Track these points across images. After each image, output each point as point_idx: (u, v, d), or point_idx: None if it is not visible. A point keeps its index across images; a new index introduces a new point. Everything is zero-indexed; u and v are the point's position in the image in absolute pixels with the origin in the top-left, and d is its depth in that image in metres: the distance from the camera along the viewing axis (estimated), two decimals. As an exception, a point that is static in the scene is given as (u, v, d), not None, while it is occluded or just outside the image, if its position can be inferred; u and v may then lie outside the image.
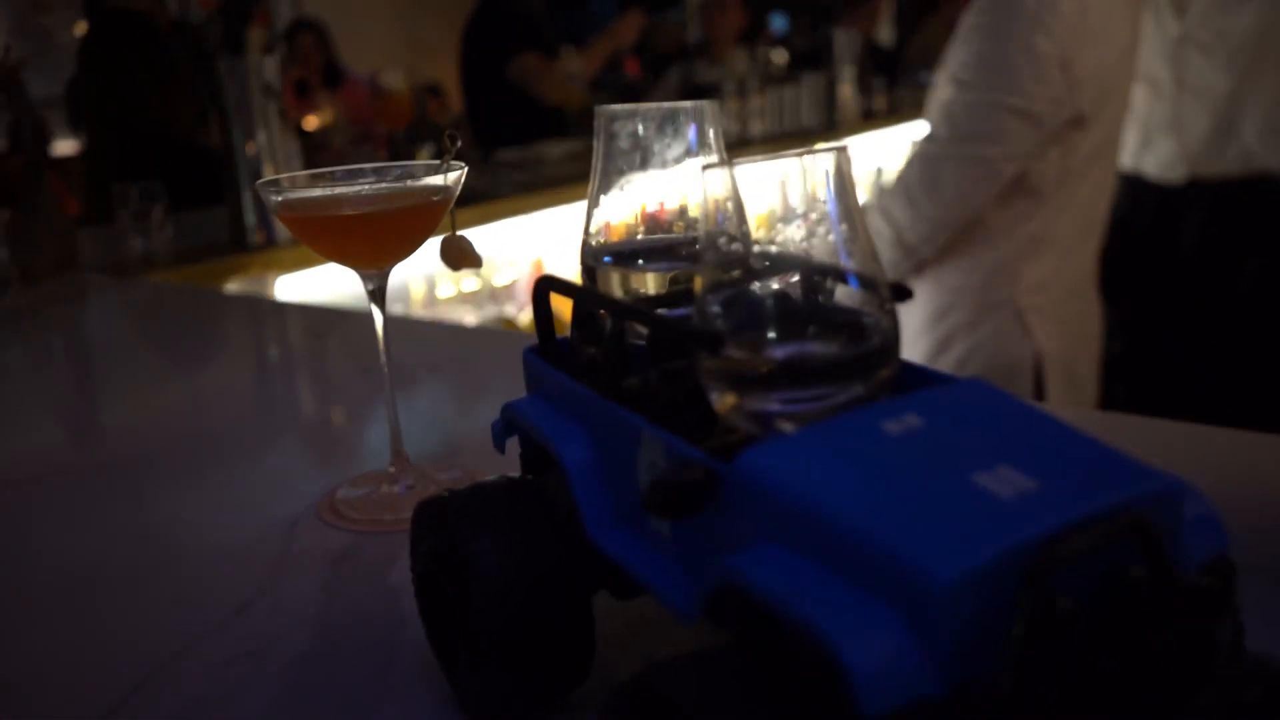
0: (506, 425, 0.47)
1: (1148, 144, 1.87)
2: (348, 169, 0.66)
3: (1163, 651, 0.28)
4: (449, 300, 2.22)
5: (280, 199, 0.61)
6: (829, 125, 3.13)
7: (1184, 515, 0.31)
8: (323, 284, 1.82)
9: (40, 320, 1.38)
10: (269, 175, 1.72)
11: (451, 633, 0.44)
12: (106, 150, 2.14)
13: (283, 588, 0.57)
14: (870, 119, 3.34)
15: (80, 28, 5.41)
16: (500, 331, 1.81)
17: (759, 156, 0.34)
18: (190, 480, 0.77)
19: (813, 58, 3.50)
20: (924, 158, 1.40)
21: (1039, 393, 1.46)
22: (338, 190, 0.62)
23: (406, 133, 2.58)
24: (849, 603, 0.27)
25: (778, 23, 5.33)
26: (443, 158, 0.63)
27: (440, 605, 0.44)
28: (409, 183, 0.63)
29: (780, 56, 3.63)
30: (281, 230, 1.74)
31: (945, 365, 1.48)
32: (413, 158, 2.25)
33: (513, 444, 0.47)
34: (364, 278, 0.63)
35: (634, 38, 3.35)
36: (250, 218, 1.74)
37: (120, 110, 2.11)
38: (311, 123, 3.53)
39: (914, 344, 1.52)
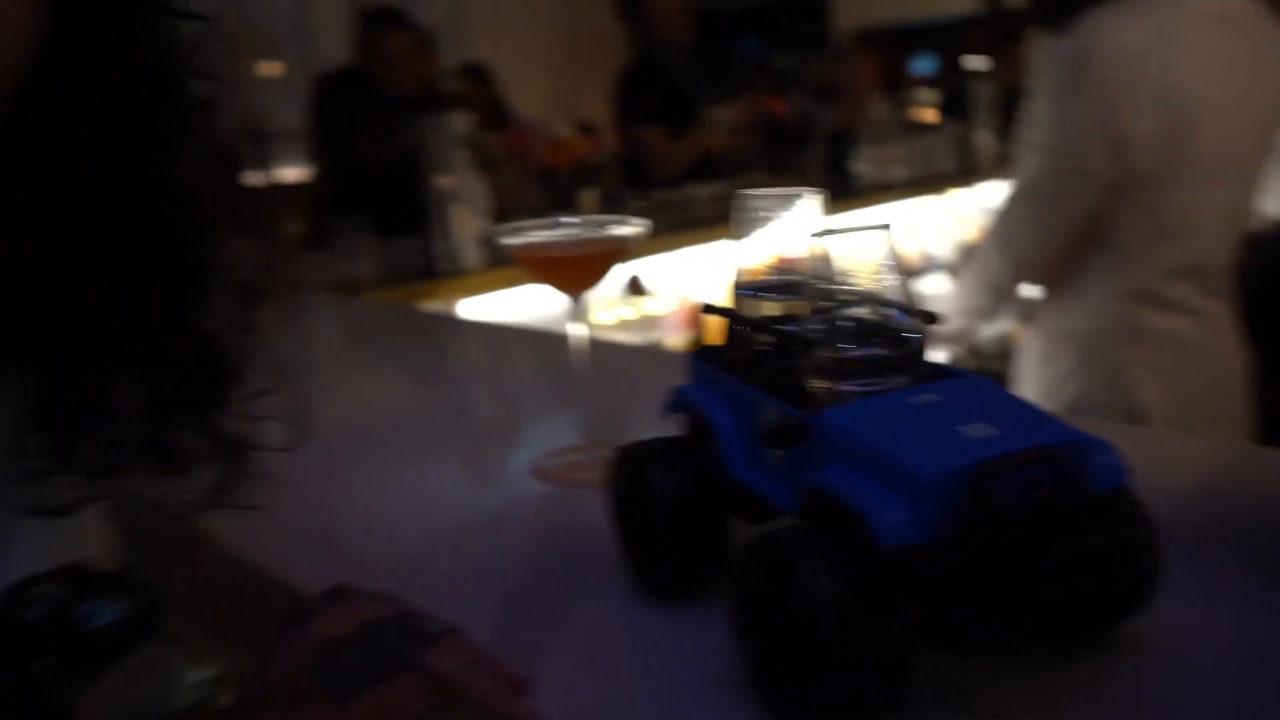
0: (673, 402, 0.69)
1: None
2: (555, 219, 0.90)
3: (1064, 530, 0.48)
4: (604, 326, 2.48)
5: (515, 241, 0.85)
6: (965, 171, 3.27)
7: (1094, 459, 0.50)
8: (496, 305, 2.10)
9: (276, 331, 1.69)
10: (461, 212, 2.02)
11: (637, 536, 0.66)
12: (327, 184, 2.53)
13: (511, 516, 0.81)
14: (1010, 164, 3.46)
15: (268, 68, 6.01)
16: (647, 349, 2.05)
17: (856, 227, 0.56)
18: (430, 451, 1.03)
19: (955, 102, 3.65)
20: (1000, 212, 1.56)
21: None
22: (556, 236, 0.86)
23: (573, 174, 2.88)
24: (878, 493, 0.48)
25: (922, 65, 5.42)
26: (624, 214, 0.87)
27: (629, 517, 0.66)
28: (605, 232, 0.87)
29: (930, 98, 3.77)
30: (467, 260, 2.03)
31: (1058, 406, 1.56)
32: (578, 197, 2.53)
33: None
34: (568, 298, 0.87)
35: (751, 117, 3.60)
36: (441, 249, 2.03)
37: (341, 152, 2.51)
38: (482, 161, 3.89)
39: (1032, 383, 1.62)
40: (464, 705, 0.49)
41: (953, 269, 2.23)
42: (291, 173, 2.62)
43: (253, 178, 0.59)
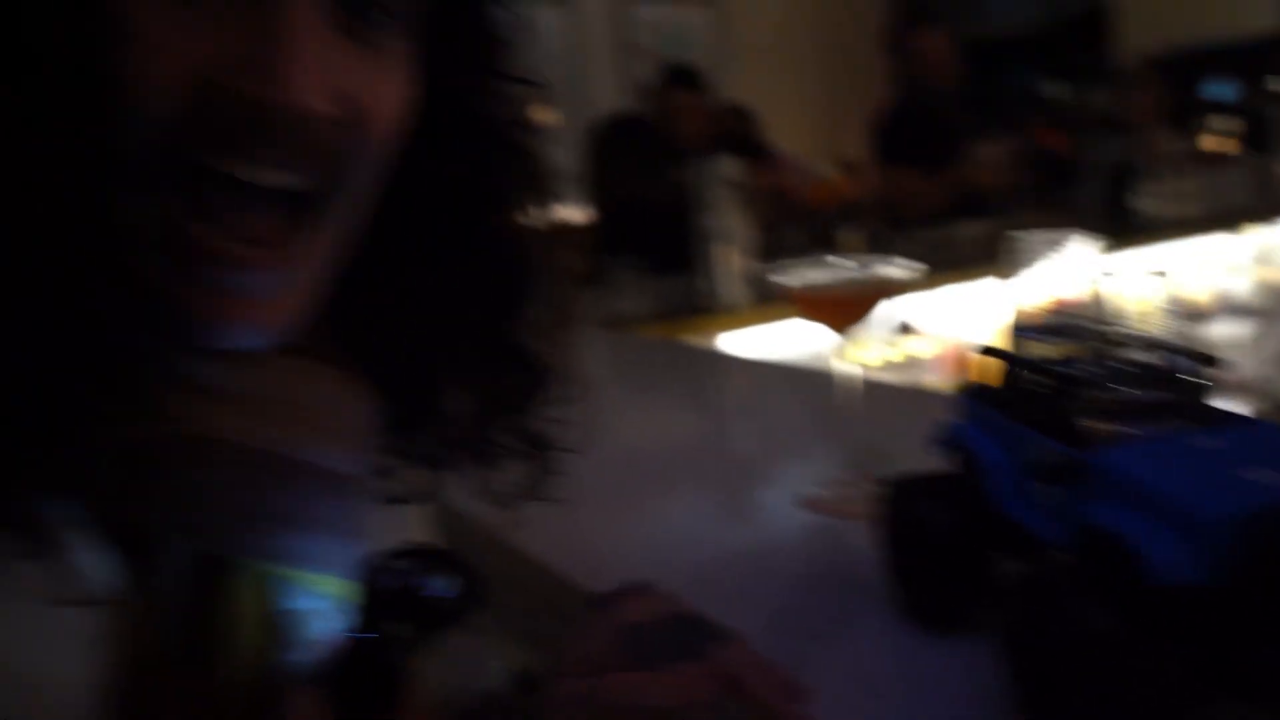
0: (942, 439, 0.71)
1: None
2: (822, 258, 0.94)
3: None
4: (868, 364, 2.48)
5: (785, 280, 0.91)
6: (1268, 207, 3.00)
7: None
8: (760, 341, 2.16)
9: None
10: (727, 251, 2.10)
11: (907, 565, 0.69)
12: (603, 224, 2.72)
13: (779, 543, 0.86)
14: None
15: (544, 115, 6.44)
16: (910, 388, 2.04)
17: (1134, 270, 0.57)
18: (699, 478, 1.10)
19: (1256, 131, 3.36)
20: None
21: None
22: (826, 275, 0.91)
23: (835, 212, 2.91)
24: (1153, 531, 0.49)
25: (1217, 90, 4.98)
26: (890, 253, 0.91)
27: (900, 546, 0.69)
28: (875, 271, 0.90)
29: (1227, 126, 3.49)
30: (732, 296, 2.11)
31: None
32: (840, 236, 2.56)
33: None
34: (833, 335, 0.91)
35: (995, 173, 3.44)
36: (707, 286, 2.12)
37: (618, 194, 2.71)
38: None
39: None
40: (747, 700, 0.54)
41: (1254, 313, 2.06)
42: (568, 213, 2.81)
43: (545, 217, 0.66)
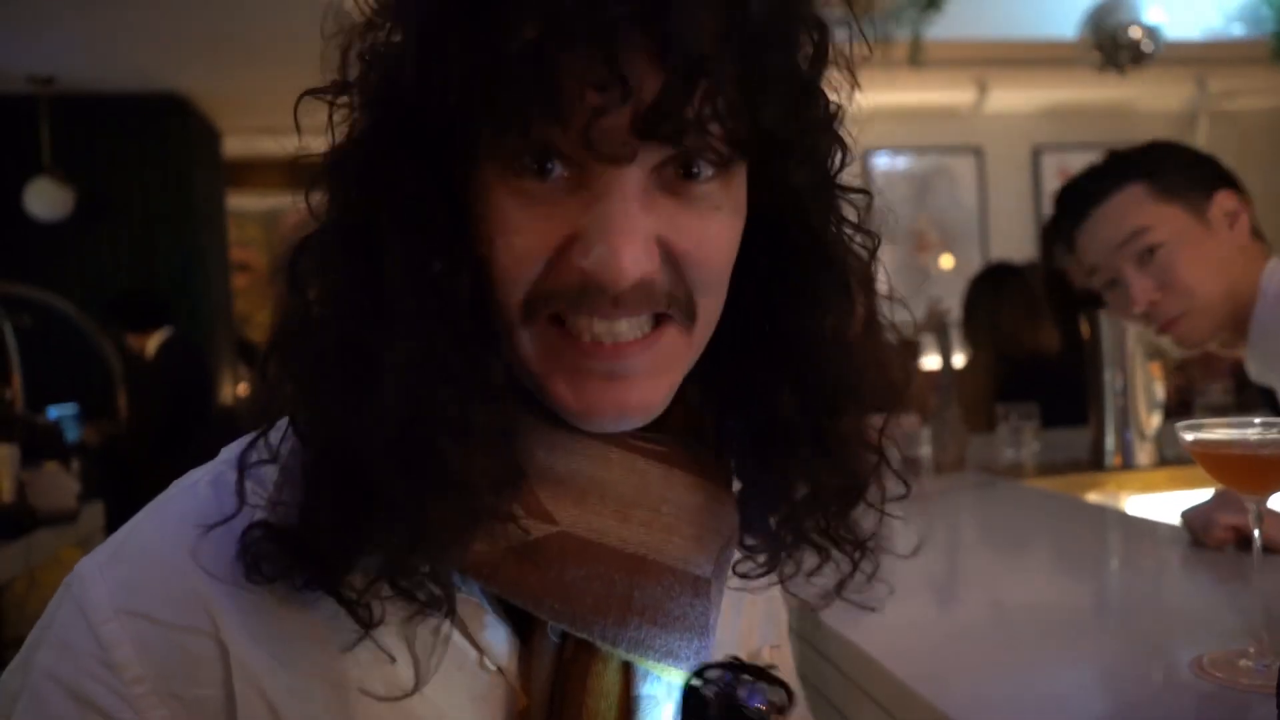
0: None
1: None
2: (1245, 419, 0.89)
3: None
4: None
5: (1192, 438, 0.88)
6: None
7: None
8: (1166, 505, 1.99)
9: (944, 504, 1.82)
10: (1133, 406, 1.99)
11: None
12: (984, 370, 2.69)
13: (1169, 708, 0.82)
14: None
15: (947, 261, 6.39)
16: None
17: None
18: (1083, 635, 1.07)
19: None
20: None
21: None
22: (1242, 435, 0.86)
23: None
24: None
25: None
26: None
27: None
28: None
29: None
30: (1139, 456, 1.98)
31: None
32: None
33: None
34: (1246, 500, 0.86)
35: None
36: (1110, 442, 2.01)
37: (998, 340, 2.68)
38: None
39: None
40: None
41: None
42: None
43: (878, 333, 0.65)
